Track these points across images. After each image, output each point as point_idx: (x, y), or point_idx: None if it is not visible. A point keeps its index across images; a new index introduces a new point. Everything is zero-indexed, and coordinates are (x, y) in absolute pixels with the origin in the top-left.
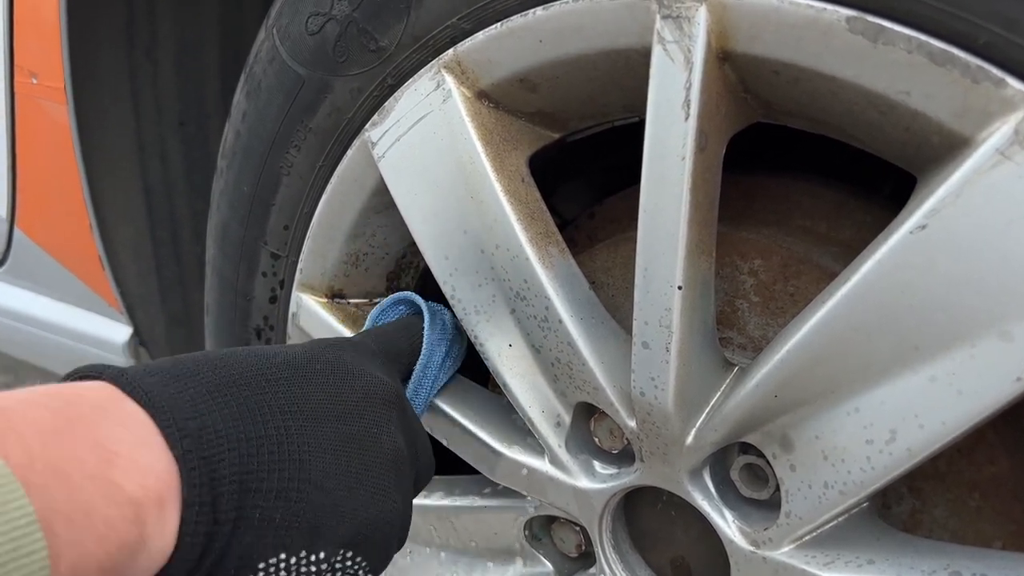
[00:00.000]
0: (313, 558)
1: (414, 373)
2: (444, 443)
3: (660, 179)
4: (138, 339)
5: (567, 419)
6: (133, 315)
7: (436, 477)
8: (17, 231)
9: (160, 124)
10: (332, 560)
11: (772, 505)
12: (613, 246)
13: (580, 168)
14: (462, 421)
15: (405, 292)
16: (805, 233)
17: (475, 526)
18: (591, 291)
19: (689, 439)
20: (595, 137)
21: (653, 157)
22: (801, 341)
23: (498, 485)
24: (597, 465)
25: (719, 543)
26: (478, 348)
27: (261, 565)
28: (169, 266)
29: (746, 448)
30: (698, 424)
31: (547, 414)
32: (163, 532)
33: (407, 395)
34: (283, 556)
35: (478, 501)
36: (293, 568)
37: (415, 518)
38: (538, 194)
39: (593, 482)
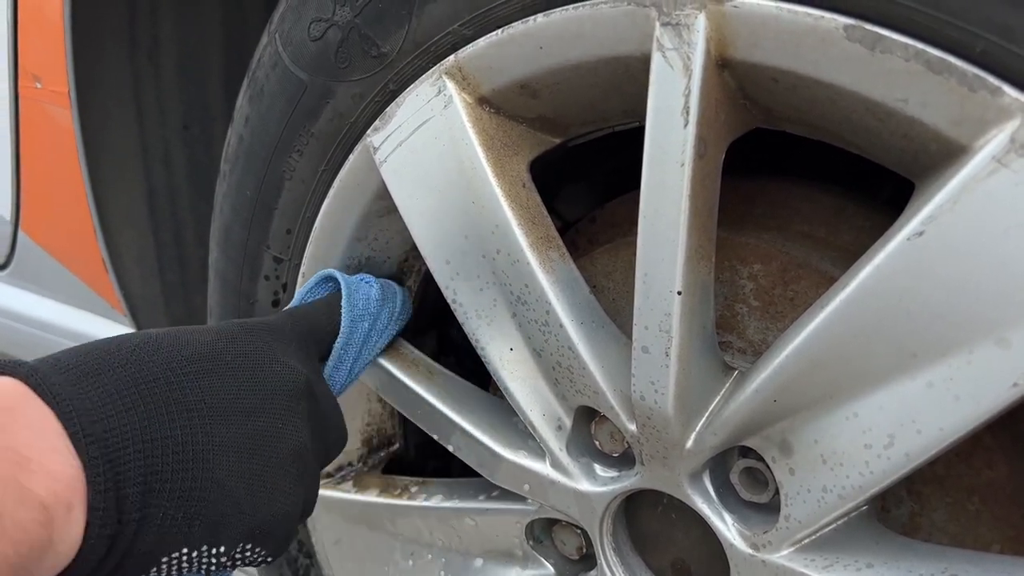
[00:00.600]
0: (214, 551)
1: (333, 351)
2: (447, 447)
3: (660, 185)
4: None
5: (568, 423)
6: (136, 318)
7: (436, 480)
8: (21, 234)
9: (163, 127)
10: (232, 552)
11: (771, 508)
12: (614, 250)
13: (581, 172)
14: (463, 424)
15: (329, 269)
16: (804, 238)
17: (476, 528)
18: (591, 295)
19: (689, 443)
20: (597, 141)
21: (653, 163)
22: (800, 346)
23: (499, 488)
24: (598, 468)
25: (719, 546)
26: (479, 352)
27: (164, 559)
28: (172, 269)
29: (746, 452)
30: (698, 428)
31: (548, 418)
32: (70, 534)
33: (327, 373)
34: (185, 551)
35: (479, 504)
36: (195, 560)
37: (417, 521)
38: (539, 199)
39: (594, 485)
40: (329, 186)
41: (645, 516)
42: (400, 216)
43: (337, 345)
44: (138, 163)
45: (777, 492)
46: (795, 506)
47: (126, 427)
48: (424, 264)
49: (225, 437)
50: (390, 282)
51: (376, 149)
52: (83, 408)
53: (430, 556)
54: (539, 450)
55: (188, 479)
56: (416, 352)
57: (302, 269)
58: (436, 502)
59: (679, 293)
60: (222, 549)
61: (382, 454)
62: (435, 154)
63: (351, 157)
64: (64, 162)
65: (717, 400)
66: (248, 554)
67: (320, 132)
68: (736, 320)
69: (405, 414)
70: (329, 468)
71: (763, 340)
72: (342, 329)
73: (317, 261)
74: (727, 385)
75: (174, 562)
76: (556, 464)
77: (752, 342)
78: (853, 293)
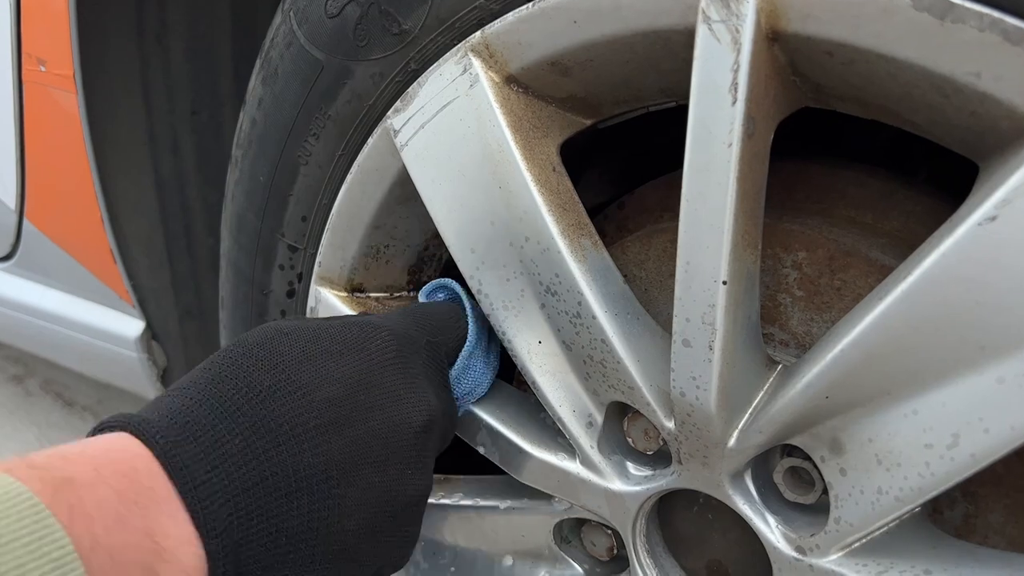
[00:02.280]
0: None
1: (458, 361)
2: (472, 444)
3: (705, 167)
4: (151, 333)
5: (599, 419)
6: (145, 309)
7: (460, 477)
8: (27, 223)
9: (172, 114)
10: None
11: (818, 510)
12: (646, 238)
13: (607, 155)
14: (488, 420)
15: (444, 279)
16: (851, 224)
17: (502, 528)
18: (626, 285)
19: (731, 441)
20: (626, 123)
21: (697, 144)
22: (856, 339)
23: (526, 487)
24: (631, 467)
25: (759, 548)
26: (506, 345)
27: None
28: (182, 259)
29: (791, 450)
30: (741, 426)
31: (578, 414)
32: None
33: (452, 375)
34: None
35: (505, 503)
36: None
37: (438, 519)
38: (570, 183)
39: (627, 484)
40: (347, 171)
41: (679, 516)
42: (421, 202)
43: (462, 355)
44: (146, 150)
45: (824, 493)
46: (846, 508)
47: (251, 509)
48: (445, 252)
49: (353, 499)
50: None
51: (397, 132)
52: (209, 492)
53: (452, 553)
54: (569, 448)
55: (309, 554)
56: None
57: (318, 258)
58: (458, 500)
59: (724, 283)
60: None
61: None
62: (460, 136)
63: (370, 140)
64: (70, 148)
65: (760, 396)
66: None
67: (337, 114)
68: (779, 311)
69: None
70: None
71: (807, 332)
72: (468, 338)
73: (334, 249)
74: (771, 380)
75: None
76: (587, 462)
77: (795, 334)
78: (916, 282)
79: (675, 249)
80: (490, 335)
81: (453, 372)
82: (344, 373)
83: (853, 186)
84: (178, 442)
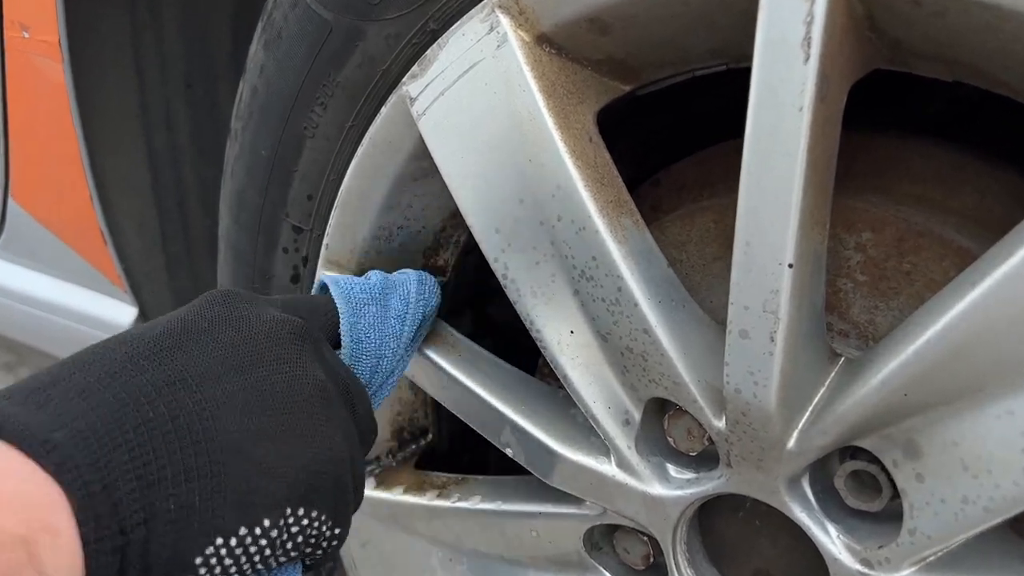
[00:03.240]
0: (258, 531)
1: (342, 330)
2: (499, 446)
3: (771, 134)
4: (144, 320)
5: (637, 416)
6: (138, 294)
7: (478, 478)
8: (11, 202)
9: (165, 85)
10: (281, 526)
11: (886, 519)
12: (688, 217)
13: (640, 127)
14: (512, 417)
15: (319, 279)
16: (918, 201)
17: (527, 534)
18: (670, 269)
19: (791, 443)
20: (663, 91)
21: (762, 108)
22: (945, 329)
23: (553, 489)
24: (671, 469)
25: (813, 558)
26: (533, 335)
27: (198, 560)
28: (176, 240)
29: (854, 452)
30: (801, 426)
31: (614, 411)
32: (64, 561)
33: (345, 361)
34: (220, 542)
35: (530, 507)
36: (238, 551)
37: (457, 523)
38: (608, 156)
39: (667, 488)
40: (357, 144)
41: (722, 522)
42: (439, 178)
43: (343, 326)
44: (138, 124)
45: (894, 499)
46: (923, 519)
47: (96, 424)
48: (462, 235)
49: (223, 397)
50: (401, 272)
51: (413, 100)
52: (36, 421)
53: (471, 560)
54: (603, 448)
55: (190, 455)
56: (456, 334)
57: (325, 240)
58: (477, 503)
59: (790, 265)
60: (267, 524)
61: (414, 447)
62: (485, 104)
63: (383, 110)
64: (57, 122)
65: (822, 392)
66: (304, 523)
67: (347, 81)
68: (839, 298)
69: (446, 406)
70: None
71: (870, 321)
72: (342, 312)
73: (343, 230)
74: (832, 375)
75: (213, 561)
76: (623, 464)
77: (856, 323)
78: (1017, 266)
79: (720, 230)
80: (380, 311)
81: (343, 353)
82: (179, 319)
83: (919, 159)
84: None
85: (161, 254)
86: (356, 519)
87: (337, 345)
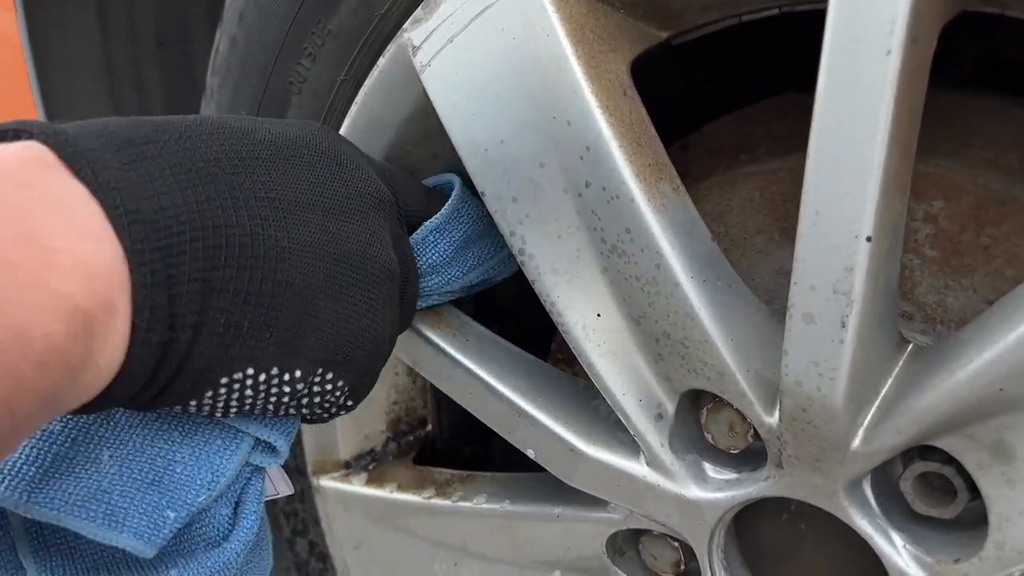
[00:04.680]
0: (287, 377)
1: (423, 227)
2: (510, 441)
3: (850, 84)
4: None
5: (671, 410)
6: None
7: (484, 475)
8: None
9: (134, 44)
10: (308, 379)
11: (961, 527)
12: (728, 184)
13: (665, 84)
14: (528, 409)
15: (446, 175)
16: (992, 166)
17: (542, 537)
18: (715, 244)
19: (856, 442)
20: (694, 43)
21: (841, 52)
22: None
23: (573, 490)
24: (709, 469)
25: (870, 570)
26: (554, 318)
27: (224, 380)
28: None
29: (922, 452)
30: (867, 423)
31: (645, 403)
32: (111, 343)
33: (417, 238)
34: (251, 372)
35: (547, 508)
36: (262, 387)
37: (463, 524)
38: (644, 112)
39: (705, 491)
40: (351, 101)
41: (762, 527)
42: (446, 140)
43: (428, 225)
44: (104, 87)
45: (972, 501)
46: (1014, 530)
47: (181, 208)
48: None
49: (304, 235)
50: None
51: (416, 49)
52: (126, 181)
53: (479, 565)
54: (632, 445)
55: (257, 279)
56: (463, 316)
57: None
58: (489, 503)
59: (868, 239)
60: (297, 374)
61: (411, 438)
62: (501, 52)
63: (381, 61)
64: (11, 82)
65: (889, 385)
66: (328, 387)
67: (339, 28)
68: (903, 276)
69: (451, 396)
70: (347, 456)
71: (939, 303)
72: (442, 211)
73: None
74: (900, 364)
75: (236, 387)
76: (655, 463)
77: (923, 305)
78: None
79: (766, 199)
80: (472, 235)
81: (414, 239)
82: (288, 134)
83: (992, 119)
84: (78, 136)
85: None
86: (349, 518)
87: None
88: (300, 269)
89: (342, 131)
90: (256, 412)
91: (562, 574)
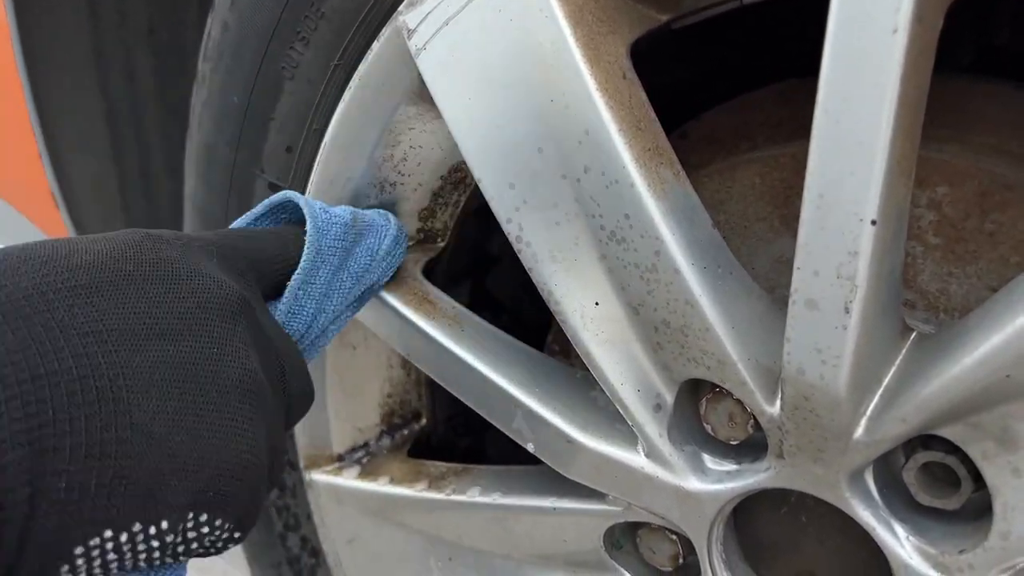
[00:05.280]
0: (152, 531)
1: (287, 290)
2: (507, 433)
3: (855, 63)
4: None
5: (670, 400)
6: None
7: (480, 467)
8: None
9: (124, 29)
10: (179, 527)
11: (964, 519)
12: (728, 171)
13: (664, 70)
14: (524, 400)
15: (287, 192)
16: (995, 152)
17: (537, 531)
18: (715, 231)
19: (859, 432)
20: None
21: (846, 31)
22: None
23: (569, 482)
24: (708, 460)
25: (873, 561)
26: (552, 307)
27: (79, 551)
28: (138, 204)
29: (925, 441)
30: (870, 412)
31: (644, 394)
32: None
33: (279, 317)
34: (108, 534)
35: (543, 501)
36: (126, 547)
37: (457, 518)
38: (644, 96)
39: (704, 482)
40: (344, 87)
41: (761, 519)
42: (441, 126)
43: (293, 284)
44: (93, 73)
45: (976, 492)
46: (1018, 520)
47: None
48: (463, 195)
49: (143, 367)
50: (382, 212)
51: (412, 32)
52: None
53: (474, 559)
54: (629, 435)
55: (97, 427)
56: (458, 306)
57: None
58: (483, 497)
59: (873, 223)
60: (164, 526)
61: (405, 432)
62: (498, 34)
63: (375, 45)
64: None
65: (892, 372)
66: (204, 530)
67: (333, 11)
68: (908, 263)
69: (447, 388)
70: (340, 450)
71: (942, 290)
72: (303, 263)
73: (327, 188)
74: (903, 352)
75: (95, 554)
76: (653, 454)
77: (925, 292)
78: None
79: (766, 186)
80: (340, 265)
81: (279, 308)
82: (107, 254)
83: (997, 105)
84: None
85: (122, 219)
86: (341, 512)
87: (279, 291)
88: (144, 406)
89: (336, 117)
90: (130, 572)
91: (557, 568)
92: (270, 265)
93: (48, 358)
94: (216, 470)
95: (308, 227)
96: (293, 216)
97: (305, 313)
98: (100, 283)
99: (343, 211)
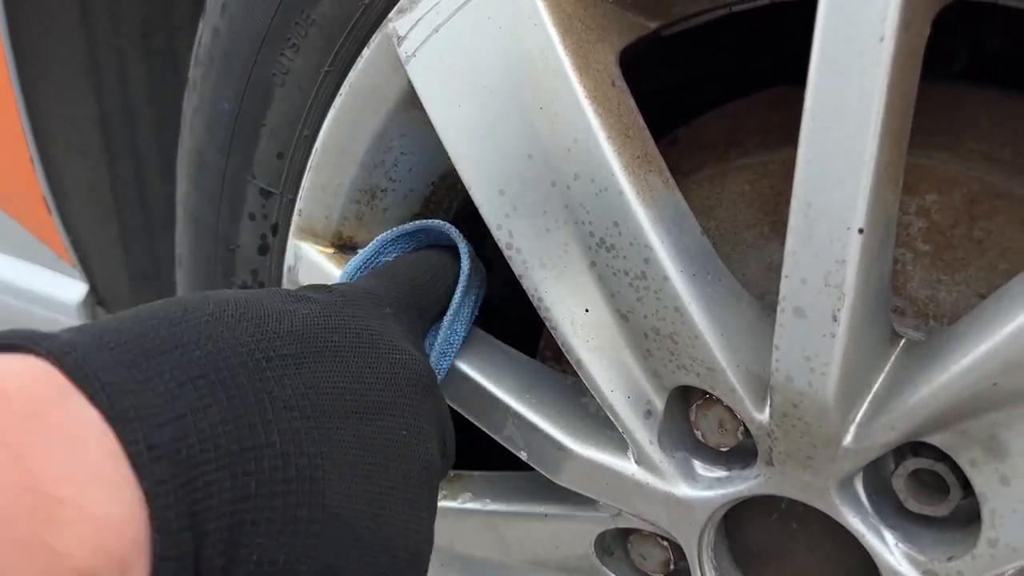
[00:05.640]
0: None
1: (441, 330)
2: (498, 439)
3: (842, 71)
4: (96, 297)
5: (660, 407)
6: (89, 269)
7: (477, 474)
8: None
9: (118, 35)
10: None
11: (953, 525)
12: (718, 178)
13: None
14: (515, 407)
15: (430, 220)
16: (985, 159)
17: (529, 537)
18: (704, 238)
19: (848, 439)
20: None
21: (833, 39)
22: None
23: (560, 488)
24: (699, 467)
25: (862, 568)
26: (542, 314)
27: None
28: (132, 209)
29: (914, 448)
30: (859, 419)
31: (634, 400)
32: None
33: (433, 360)
34: None
35: (534, 508)
36: None
37: (448, 523)
38: (633, 103)
39: (694, 489)
40: (335, 93)
41: (751, 525)
42: (431, 131)
43: (445, 322)
44: (86, 78)
45: (965, 499)
46: (1007, 528)
47: (206, 432)
48: (457, 199)
49: (338, 447)
50: (461, 243)
51: (402, 39)
52: (145, 406)
53: (464, 565)
54: (620, 442)
55: (293, 505)
56: None
57: (298, 205)
58: (478, 503)
59: (860, 231)
60: None
61: None
62: (488, 41)
63: (366, 52)
64: None
65: (881, 380)
66: None
67: (323, 18)
68: (897, 270)
69: None
70: None
71: (931, 297)
72: (454, 301)
73: (318, 194)
74: (892, 359)
75: None
76: (644, 461)
77: (915, 299)
78: None
79: (756, 193)
80: (477, 295)
81: (434, 347)
82: (312, 319)
83: (986, 112)
84: (86, 350)
85: (115, 224)
86: None
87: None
88: (337, 488)
89: (326, 123)
90: None
91: (552, 575)
92: (431, 310)
93: (257, 431)
94: (394, 556)
95: (464, 266)
96: (424, 239)
97: (453, 349)
98: (308, 353)
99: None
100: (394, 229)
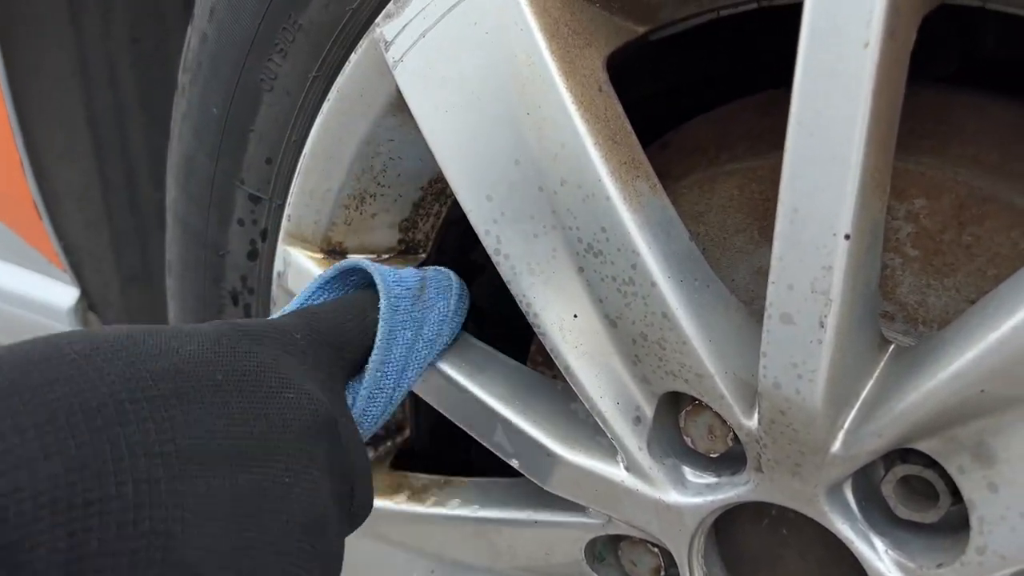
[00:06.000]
0: None
1: (366, 373)
2: (488, 446)
3: (827, 78)
4: (87, 303)
5: (649, 413)
6: (80, 274)
7: (467, 480)
8: None
9: (108, 39)
10: None
11: (943, 532)
12: (707, 183)
13: (643, 82)
14: (503, 413)
15: (354, 259)
16: (974, 164)
17: (519, 543)
18: (692, 243)
19: (836, 446)
20: (669, 40)
21: (818, 45)
22: None
23: (551, 495)
24: (689, 473)
25: (851, 573)
26: (530, 319)
27: None
28: (123, 215)
29: (903, 455)
30: (847, 426)
31: (623, 406)
32: None
33: (358, 407)
34: None
35: (525, 514)
36: None
37: (439, 530)
38: (620, 108)
39: (684, 495)
40: (323, 98)
41: (741, 532)
42: (420, 136)
43: (371, 365)
44: (76, 82)
45: (955, 506)
46: (995, 535)
47: (43, 484)
48: (446, 204)
49: (205, 497)
50: (441, 271)
51: (389, 44)
52: None
53: (456, 573)
54: (609, 448)
55: (142, 563)
56: None
57: (287, 210)
58: (468, 510)
59: (846, 237)
60: None
61: (389, 444)
62: (474, 46)
63: (353, 57)
64: None
65: (870, 386)
66: None
67: (311, 23)
68: (885, 275)
69: (427, 400)
70: None
71: (920, 303)
72: (377, 342)
73: (307, 199)
74: (881, 365)
75: None
76: (633, 467)
77: (904, 305)
78: None
79: (745, 197)
80: (418, 328)
81: (360, 392)
82: (197, 355)
83: (973, 117)
84: None
85: (106, 229)
86: None
87: (359, 368)
88: (197, 543)
89: (315, 128)
90: None
91: None
92: (353, 351)
93: (106, 481)
94: None
95: (381, 303)
96: (362, 279)
97: (384, 393)
98: (183, 392)
99: (412, 277)
100: (328, 269)
